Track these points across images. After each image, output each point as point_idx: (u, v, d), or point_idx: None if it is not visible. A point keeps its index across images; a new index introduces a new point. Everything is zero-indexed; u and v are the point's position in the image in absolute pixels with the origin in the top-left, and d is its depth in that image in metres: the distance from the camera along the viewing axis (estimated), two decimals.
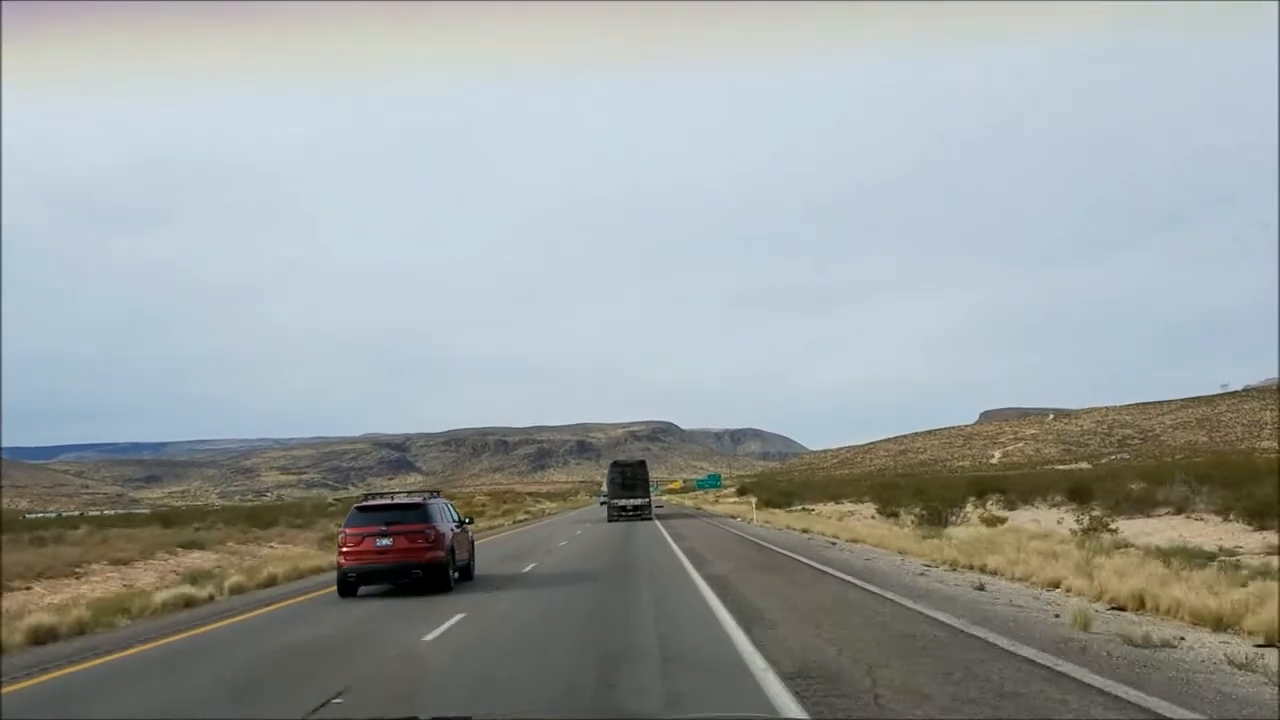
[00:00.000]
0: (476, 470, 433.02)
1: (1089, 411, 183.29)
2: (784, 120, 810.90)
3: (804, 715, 6.85)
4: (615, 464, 58.64)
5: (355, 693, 8.36)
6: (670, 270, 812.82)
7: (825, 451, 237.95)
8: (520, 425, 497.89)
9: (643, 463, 59.05)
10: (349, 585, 17.61)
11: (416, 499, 19.08)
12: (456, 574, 18.73)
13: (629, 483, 54.88)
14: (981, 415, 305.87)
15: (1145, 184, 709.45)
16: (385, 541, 17.45)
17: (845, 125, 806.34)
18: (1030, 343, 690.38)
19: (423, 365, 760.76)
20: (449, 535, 18.50)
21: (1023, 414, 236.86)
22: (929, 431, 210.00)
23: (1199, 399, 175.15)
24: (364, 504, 19.27)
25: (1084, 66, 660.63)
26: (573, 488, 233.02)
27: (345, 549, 17.70)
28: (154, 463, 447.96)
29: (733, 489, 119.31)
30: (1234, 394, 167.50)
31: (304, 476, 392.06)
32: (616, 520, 51.97)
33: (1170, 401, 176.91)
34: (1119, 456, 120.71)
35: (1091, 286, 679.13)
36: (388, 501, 19.53)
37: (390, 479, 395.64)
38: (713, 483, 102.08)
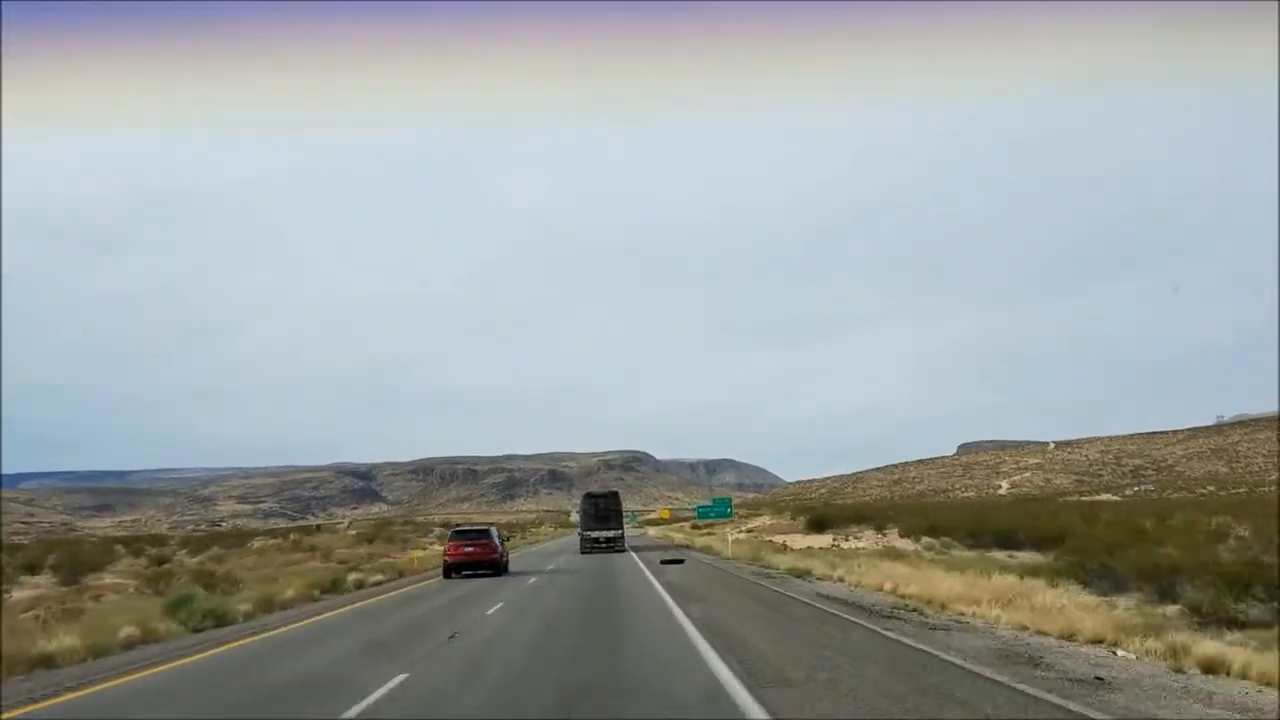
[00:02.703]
0: (444, 500, 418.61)
1: (1091, 441, 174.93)
2: (759, 153, 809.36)
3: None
4: (588, 495, 58.99)
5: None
6: (644, 301, 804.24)
7: (810, 481, 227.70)
8: (489, 454, 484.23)
9: (615, 494, 59.35)
10: (449, 570, 33.84)
11: (485, 528, 38.82)
12: (504, 567, 35.33)
13: (602, 514, 55.43)
14: (960, 447, 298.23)
15: (1119, 223, 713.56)
16: (470, 548, 34.41)
17: (825, 158, 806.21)
18: (1006, 377, 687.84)
19: (394, 396, 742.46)
20: (500, 545, 36.00)
21: (1002, 446, 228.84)
22: (920, 461, 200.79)
23: (1206, 429, 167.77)
24: (457, 529, 39.90)
25: (1069, 102, 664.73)
26: (537, 518, 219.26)
27: (449, 553, 34.52)
28: (109, 491, 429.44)
29: (761, 516, 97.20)
30: (1245, 424, 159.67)
31: (261, 506, 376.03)
32: (590, 552, 52.18)
33: (1176, 431, 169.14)
34: (1142, 489, 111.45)
35: (1065, 322, 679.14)
36: (469, 528, 39.89)
37: (354, 508, 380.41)
38: (720, 511, 76.27)
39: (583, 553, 52.30)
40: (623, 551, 51.67)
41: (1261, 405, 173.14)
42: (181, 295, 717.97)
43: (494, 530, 37.29)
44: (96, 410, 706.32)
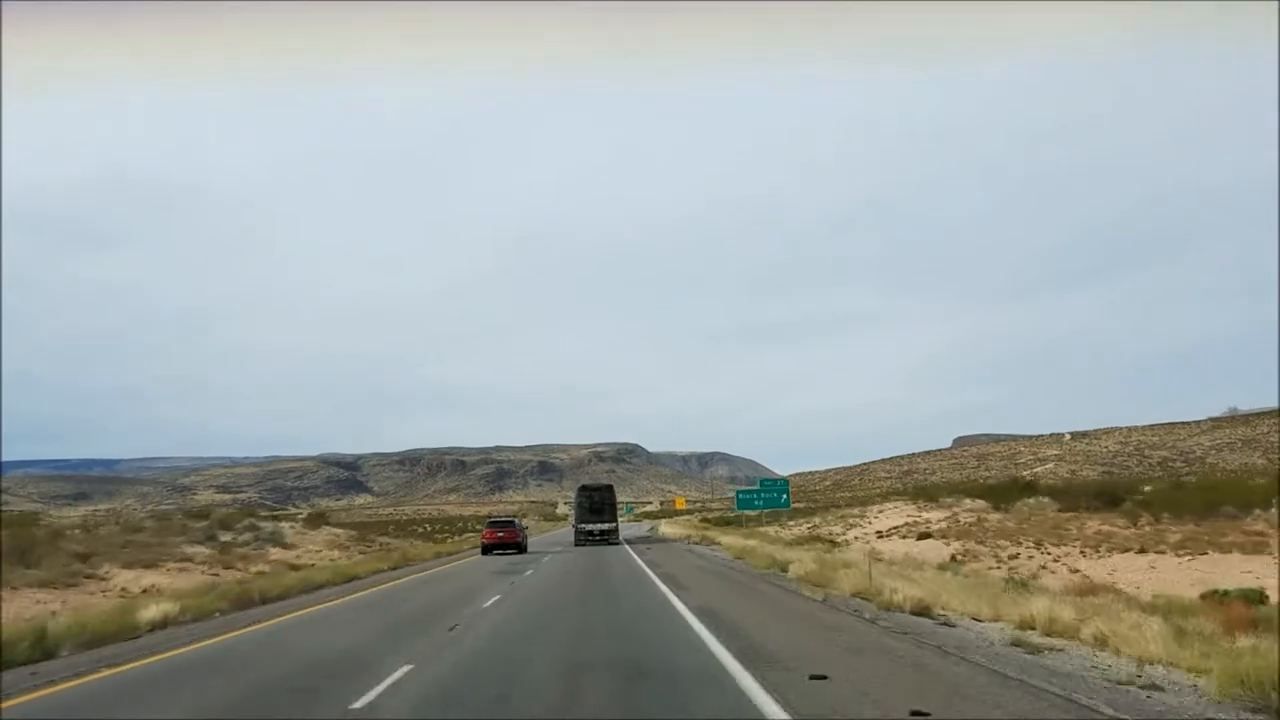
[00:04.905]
0: (431, 491, 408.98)
1: (1108, 432, 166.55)
2: (755, 152, 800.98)
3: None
4: (583, 488, 58.32)
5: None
6: (637, 298, 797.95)
7: (811, 473, 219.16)
8: (479, 445, 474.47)
9: (610, 487, 58.60)
10: (487, 550, 47.27)
11: (511, 518, 56.14)
12: (524, 548, 48.48)
13: (596, 507, 55.00)
14: (955, 440, 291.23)
15: (1112, 221, 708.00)
16: (500, 534, 48.31)
17: (817, 157, 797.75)
18: (993, 374, 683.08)
19: (385, 390, 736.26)
20: (522, 531, 51.67)
21: (998, 439, 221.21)
22: (927, 452, 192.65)
23: (1231, 419, 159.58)
24: (491, 520, 54.54)
25: (1069, 96, 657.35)
26: (520, 509, 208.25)
27: (486, 536, 48.78)
28: (89, 480, 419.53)
29: (880, 506, 63.87)
30: (1273, 414, 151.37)
31: (241, 495, 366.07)
32: (584, 544, 51.75)
33: (1199, 422, 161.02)
34: (1185, 478, 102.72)
35: (1055, 320, 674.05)
36: (499, 519, 54.46)
37: (338, 499, 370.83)
38: (773, 499, 49.98)
39: (577, 545, 52.42)
40: (616, 545, 51.44)
41: (1262, 400, 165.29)
42: (176, 288, 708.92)
43: (518, 520, 54.34)
44: (86, 401, 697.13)
